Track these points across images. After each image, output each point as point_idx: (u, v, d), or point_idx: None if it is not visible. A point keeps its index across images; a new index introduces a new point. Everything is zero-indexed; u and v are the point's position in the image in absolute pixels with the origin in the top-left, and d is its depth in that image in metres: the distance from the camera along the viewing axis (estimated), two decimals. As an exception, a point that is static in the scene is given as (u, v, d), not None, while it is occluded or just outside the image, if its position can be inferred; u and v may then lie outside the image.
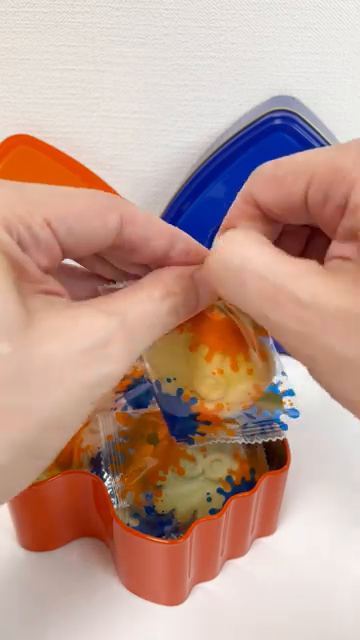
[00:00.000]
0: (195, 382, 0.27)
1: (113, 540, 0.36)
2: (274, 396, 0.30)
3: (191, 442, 0.29)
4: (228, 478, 0.37)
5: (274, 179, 0.23)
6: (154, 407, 0.42)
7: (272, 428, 0.31)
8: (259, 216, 0.24)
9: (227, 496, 0.36)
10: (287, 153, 0.49)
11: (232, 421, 0.29)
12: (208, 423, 0.28)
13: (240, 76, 0.49)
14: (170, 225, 0.25)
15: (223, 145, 0.47)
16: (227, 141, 0.47)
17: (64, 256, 0.23)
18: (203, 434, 0.29)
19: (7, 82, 0.50)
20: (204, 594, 0.38)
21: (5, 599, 0.37)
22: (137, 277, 0.26)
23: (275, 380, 0.29)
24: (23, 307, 0.19)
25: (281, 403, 0.29)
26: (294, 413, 0.30)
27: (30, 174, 0.50)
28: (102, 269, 0.27)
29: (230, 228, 0.25)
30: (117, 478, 0.36)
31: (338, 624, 0.36)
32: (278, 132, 0.45)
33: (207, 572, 0.38)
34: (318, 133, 0.46)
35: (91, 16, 0.47)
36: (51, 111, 0.52)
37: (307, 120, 0.45)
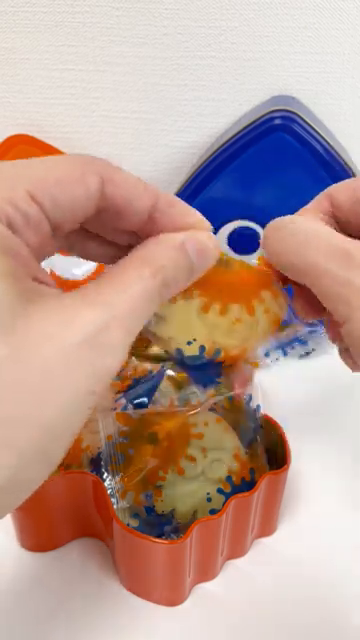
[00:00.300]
0: (218, 338, 0.28)
1: (113, 540, 0.36)
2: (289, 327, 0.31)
3: (217, 383, 0.30)
4: (228, 478, 0.37)
5: (354, 182, 0.27)
6: (154, 407, 0.42)
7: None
8: (330, 212, 0.28)
9: (227, 496, 0.36)
10: (287, 153, 0.49)
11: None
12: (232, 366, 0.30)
13: (240, 76, 0.49)
14: (152, 185, 0.25)
15: (223, 145, 0.47)
16: (227, 141, 0.47)
17: (53, 232, 0.22)
18: (228, 374, 0.30)
19: (7, 82, 0.50)
20: (204, 594, 0.38)
21: (5, 599, 0.37)
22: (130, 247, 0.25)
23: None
24: (18, 300, 0.19)
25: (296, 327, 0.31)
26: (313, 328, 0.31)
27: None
28: (96, 250, 0.26)
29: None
30: (117, 478, 0.36)
31: (338, 624, 0.36)
32: (278, 132, 0.45)
33: (207, 572, 0.38)
34: (318, 133, 0.46)
35: (91, 16, 0.47)
36: (51, 111, 0.52)
37: (307, 120, 0.45)
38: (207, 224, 0.26)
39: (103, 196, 0.23)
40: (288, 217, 0.27)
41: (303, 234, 0.25)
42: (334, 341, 0.29)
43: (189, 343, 0.28)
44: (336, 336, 0.28)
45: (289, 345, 0.32)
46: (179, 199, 0.25)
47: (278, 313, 0.29)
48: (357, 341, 0.23)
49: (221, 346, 0.28)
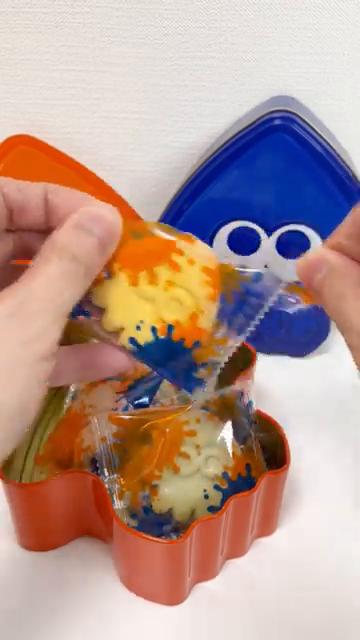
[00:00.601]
0: (163, 313, 0.27)
1: (113, 540, 0.36)
2: (235, 272, 0.29)
3: (201, 383, 0.29)
4: (224, 474, 0.37)
5: None
6: (153, 407, 0.42)
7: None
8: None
9: (224, 492, 0.36)
10: (287, 153, 0.49)
11: (217, 325, 0.29)
12: (198, 344, 0.28)
13: (240, 76, 0.49)
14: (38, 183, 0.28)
15: (223, 145, 0.47)
16: (227, 141, 0.47)
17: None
18: (205, 364, 0.29)
19: (7, 82, 0.50)
20: (204, 594, 0.38)
21: (5, 599, 0.37)
22: None
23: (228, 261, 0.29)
24: None
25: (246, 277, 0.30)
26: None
27: (30, 174, 0.50)
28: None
29: (335, 241, 0.27)
30: (113, 478, 0.36)
31: (339, 624, 0.36)
32: (278, 132, 0.45)
33: (207, 572, 0.38)
34: (318, 133, 0.46)
35: (91, 16, 0.47)
36: (51, 111, 0.52)
37: (307, 120, 0.45)
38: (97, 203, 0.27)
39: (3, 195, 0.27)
40: (340, 296, 0.25)
41: (344, 302, 0.25)
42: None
43: (138, 328, 0.27)
44: None
45: (253, 309, 0.29)
46: (65, 188, 0.28)
47: (205, 258, 0.28)
48: None
49: (171, 321, 0.27)
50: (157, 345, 0.27)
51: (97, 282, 0.26)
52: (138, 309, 0.27)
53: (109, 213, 0.26)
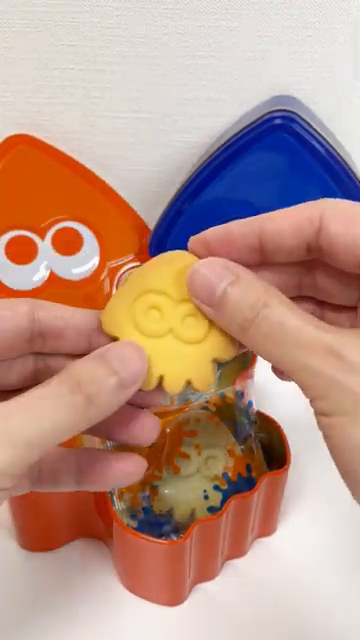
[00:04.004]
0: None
1: (113, 540, 0.36)
2: None
3: None
4: (224, 475, 0.37)
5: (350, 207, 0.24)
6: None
7: None
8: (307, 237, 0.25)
9: (224, 493, 0.36)
10: (287, 153, 0.49)
11: None
12: None
13: (240, 76, 0.49)
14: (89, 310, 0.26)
15: (223, 145, 0.47)
16: (227, 141, 0.47)
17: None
18: None
19: (7, 81, 0.50)
20: (204, 594, 0.38)
21: (5, 599, 0.37)
22: None
23: None
24: None
25: None
26: None
27: (30, 174, 0.50)
28: None
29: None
30: None
31: (339, 623, 0.36)
32: (278, 132, 0.45)
33: (207, 572, 0.38)
34: (318, 133, 0.45)
35: (91, 16, 0.47)
36: (51, 111, 0.52)
37: (307, 120, 0.45)
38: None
39: (36, 319, 0.25)
40: (255, 305, 0.23)
41: (279, 331, 0.22)
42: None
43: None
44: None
45: None
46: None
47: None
48: (339, 432, 0.22)
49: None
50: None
51: None
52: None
53: (136, 353, 0.24)
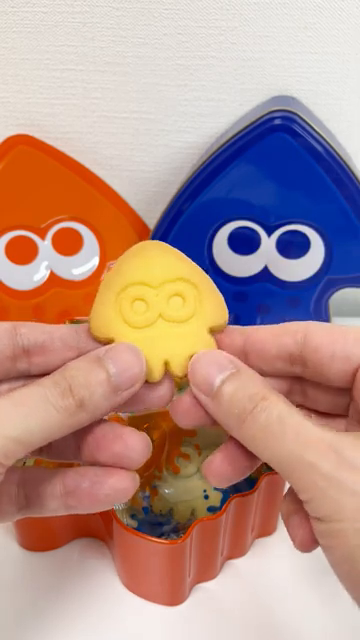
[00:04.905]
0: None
1: (113, 540, 0.36)
2: None
3: None
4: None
5: (332, 329, 0.25)
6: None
7: None
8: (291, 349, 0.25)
9: (224, 493, 0.36)
10: (287, 153, 0.49)
11: None
12: None
13: (240, 76, 0.49)
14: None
15: (223, 145, 0.47)
16: (227, 141, 0.47)
17: None
18: None
19: (7, 82, 0.50)
20: (204, 594, 0.38)
21: (5, 599, 0.37)
22: None
23: None
24: None
25: None
26: None
27: (30, 174, 0.50)
28: None
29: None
30: None
31: (339, 623, 0.36)
32: (278, 132, 0.45)
33: (207, 572, 0.38)
34: (318, 133, 0.45)
35: (91, 16, 0.47)
36: (51, 111, 0.52)
37: (307, 120, 0.45)
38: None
39: (18, 334, 0.24)
40: (254, 397, 0.22)
41: (278, 424, 0.22)
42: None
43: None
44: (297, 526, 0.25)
45: None
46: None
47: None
48: (341, 541, 0.21)
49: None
50: None
51: None
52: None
53: (133, 355, 0.23)
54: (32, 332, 0.24)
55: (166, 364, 0.25)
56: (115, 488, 0.24)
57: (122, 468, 0.24)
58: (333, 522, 0.21)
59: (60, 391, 0.22)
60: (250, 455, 0.24)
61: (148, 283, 0.25)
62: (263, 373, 0.24)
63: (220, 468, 0.25)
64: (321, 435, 0.21)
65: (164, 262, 0.26)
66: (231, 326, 0.26)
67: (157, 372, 0.25)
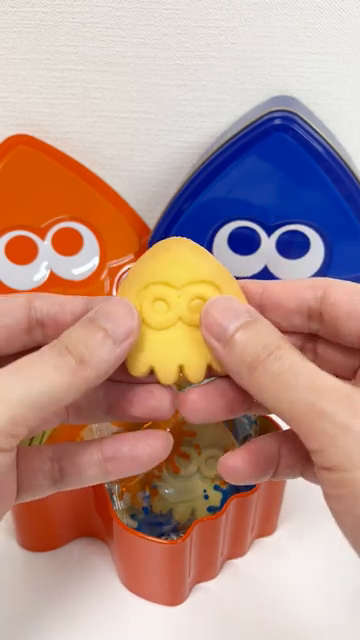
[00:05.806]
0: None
1: (113, 540, 0.36)
2: None
3: None
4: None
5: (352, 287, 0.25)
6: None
7: None
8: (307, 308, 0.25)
9: (224, 492, 0.36)
10: (287, 153, 0.49)
11: None
12: None
13: (240, 76, 0.49)
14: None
15: (223, 145, 0.47)
16: (227, 141, 0.47)
17: None
18: None
19: (7, 82, 0.50)
20: (204, 594, 0.38)
21: (5, 599, 0.37)
22: None
23: None
24: None
25: None
26: None
27: (30, 174, 0.50)
28: None
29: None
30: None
31: (338, 623, 0.36)
32: (278, 132, 0.45)
33: (207, 572, 0.38)
34: (318, 133, 0.46)
35: (91, 16, 0.47)
36: (51, 111, 0.52)
37: (307, 120, 0.45)
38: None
39: (32, 308, 0.25)
40: (268, 346, 0.22)
41: (290, 373, 0.22)
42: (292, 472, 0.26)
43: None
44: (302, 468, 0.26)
45: None
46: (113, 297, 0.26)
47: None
48: (350, 491, 0.20)
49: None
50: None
51: None
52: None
53: (124, 307, 0.24)
54: (45, 304, 0.25)
55: (181, 368, 0.25)
56: (156, 447, 0.25)
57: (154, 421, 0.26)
58: (344, 471, 0.20)
59: (57, 351, 0.22)
60: (228, 399, 0.24)
61: (171, 283, 0.25)
62: (279, 328, 0.24)
63: (197, 403, 0.24)
64: (337, 384, 0.21)
65: (189, 262, 0.25)
66: (247, 280, 0.25)
67: (171, 375, 0.25)
